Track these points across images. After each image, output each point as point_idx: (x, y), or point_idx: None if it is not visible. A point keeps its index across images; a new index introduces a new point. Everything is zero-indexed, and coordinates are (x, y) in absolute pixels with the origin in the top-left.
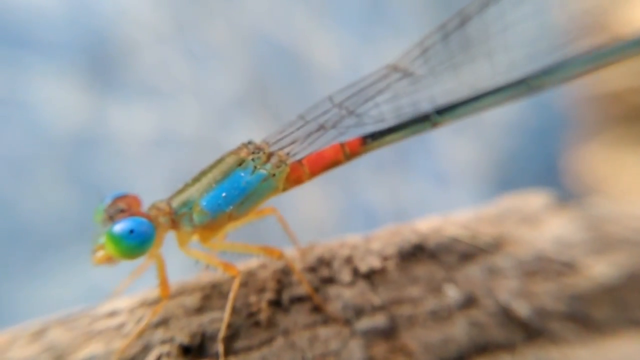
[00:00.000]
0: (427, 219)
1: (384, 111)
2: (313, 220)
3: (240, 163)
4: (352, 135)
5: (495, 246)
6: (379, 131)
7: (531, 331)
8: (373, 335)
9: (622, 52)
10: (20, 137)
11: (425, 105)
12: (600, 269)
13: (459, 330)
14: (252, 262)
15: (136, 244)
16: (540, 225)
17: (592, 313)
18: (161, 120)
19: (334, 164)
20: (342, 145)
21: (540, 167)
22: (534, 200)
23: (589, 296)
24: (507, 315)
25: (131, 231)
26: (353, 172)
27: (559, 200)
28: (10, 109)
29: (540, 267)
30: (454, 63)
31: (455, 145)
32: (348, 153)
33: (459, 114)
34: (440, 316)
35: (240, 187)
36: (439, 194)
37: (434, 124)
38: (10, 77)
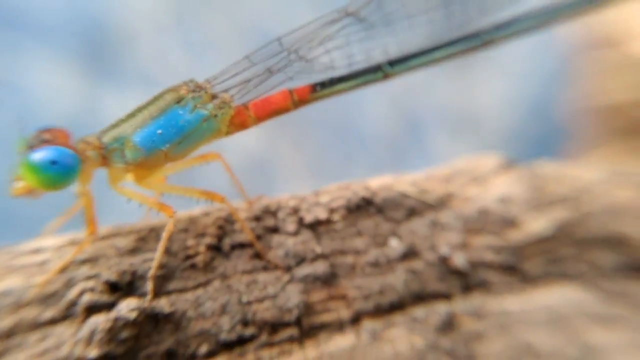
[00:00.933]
0: (379, 177)
1: (335, 58)
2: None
3: (179, 100)
4: (302, 82)
5: (442, 203)
6: (329, 79)
7: (468, 281)
8: (312, 282)
9: (573, 8)
10: (12, 121)
11: (378, 55)
12: (538, 225)
13: (397, 280)
14: (195, 210)
15: (57, 174)
16: (488, 184)
17: (526, 265)
18: None
19: (281, 110)
20: (290, 91)
21: None
22: (486, 161)
23: (524, 250)
24: (445, 266)
25: (52, 161)
26: (347, 172)
27: (508, 161)
28: (3, 92)
29: (482, 222)
30: (408, 12)
31: (453, 150)
32: (296, 100)
33: (411, 65)
34: (380, 266)
35: (178, 125)
36: None
37: (386, 75)
38: (5, 60)
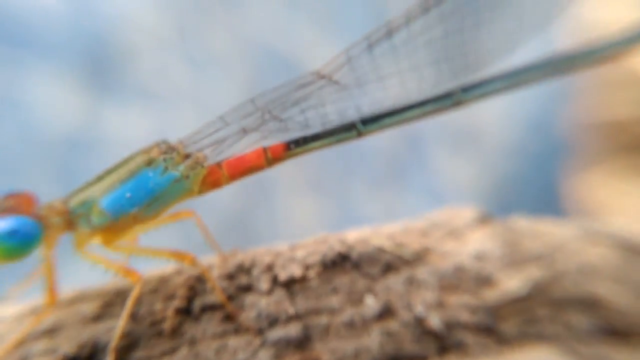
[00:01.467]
0: (358, 229)
1: (309, 117)
2: (305, 234)
3: (150, 162)
4: (276, 139)
5: (418, 258)
6: (303, 137)
7: (444, 343)
8: (285, 346)
9: (543, 71)
10: (13, 137)
11: (352, 114)
12: (513, 283)
13: (373, 342)
14: (168, 268)
15: (17, 245)
16: (464, 239)
17: (502, 326)
18: (157, 125)
19: (255, 168)
20: (265, 149)
21: (539, 191)
22: (462, 214)
23: (500, 309)
24: (421, 327)
25: (11, 231)
26: (347, 187)
27: (484, 215)
28: (4, 108)
29: (458, 280)
30: (381, 75)
31: (453, 165)
32: (270, 158)
33: (384, 124)
34: (356, 327)
35: (148, 188)
36: (435, 211)
37: (359, 134)
38: (6, 75)
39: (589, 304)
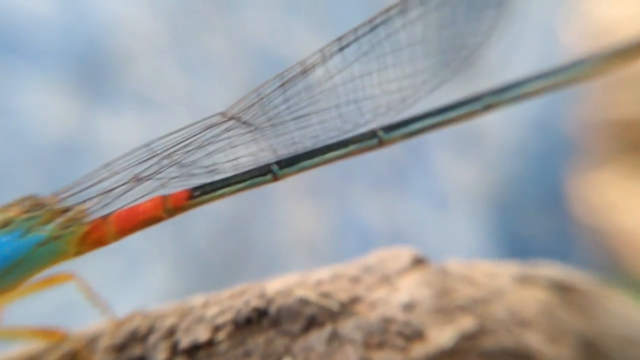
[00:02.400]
0: (284, 277)
1: (217, 161)
2: (304, 239)
3: (6, 224)
4: (179, 187)
5: (345, 309)
6: (210, 183)
7: None
8: None
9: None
10: (3, 143)
11: (267, 156)
12: (443, 336)
13: None
14: (41, 345)
15: None
16: (395, 285)
17: None
18: (152, 131)
19: (151, 220)
20: (164, 198)
21: (544, 191)
22: (398, 256)
23: None
24: None
25: None
26: (347, 189)
27: (419, 258)
28: None
29: (385, 334)
30: (298, 114)
31: (456, 166)
32: (170, 208)
33: (303, 166)
34: None
35: (2, 255)
36: (436, 215)
37: (276, 177)
38: None
39: (522, 357)
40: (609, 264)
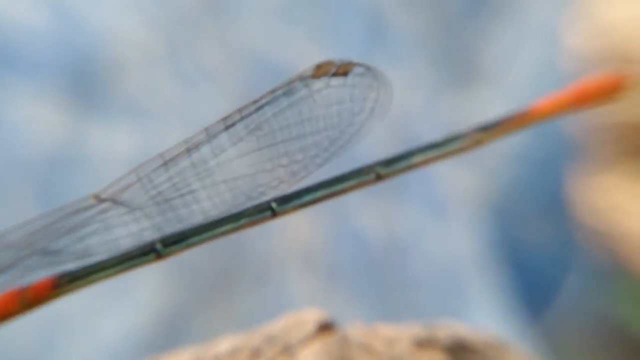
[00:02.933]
0: (177, 354)
1: (91, 245)
2: (299, 248)
3: None
4: (43, 274)
5: None
6: (83, 268)
7: None
8: None
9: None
10: None
11: (150, 235)
12: None
13: None
14: None
15: None
16: (296, 357)
17: None
18: (145, 142)
19: (2, 317)
20: (22, 290)
21: (546, 197)
22: (305, 321)
23: None
24: None
25: None
26: (343, 198)
27: (325, 322)
28: None
29: None
30: (184, 192)
31: (454, 171)
32: (30, 300)
33: (191, 242)
34: None
35: None
36: (435, 222)
37: (159, 256)
38: None
39: None
40: (614, 268)
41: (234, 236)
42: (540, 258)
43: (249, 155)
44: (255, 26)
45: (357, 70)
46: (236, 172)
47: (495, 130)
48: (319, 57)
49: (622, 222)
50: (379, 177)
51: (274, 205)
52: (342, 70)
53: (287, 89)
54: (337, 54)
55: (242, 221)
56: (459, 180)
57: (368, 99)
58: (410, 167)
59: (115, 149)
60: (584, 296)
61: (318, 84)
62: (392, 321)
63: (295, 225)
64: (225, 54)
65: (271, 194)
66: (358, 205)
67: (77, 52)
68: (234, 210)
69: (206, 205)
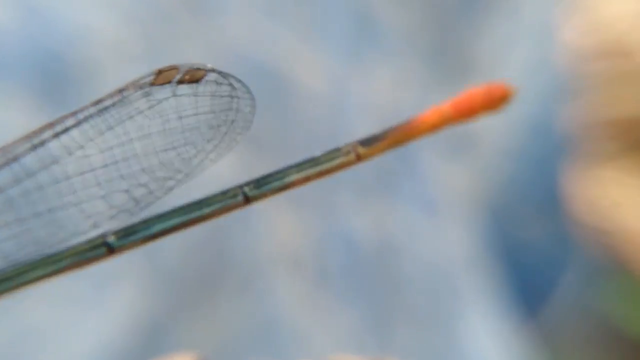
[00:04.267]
0: None
1: None
2: (287, 251)
3: None
4: None
5: None
6: None
7: None
8: None
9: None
10: None
11: None
12: None
13: None
14: None
15: None
16: None
17: None
18: None
19: None
20: None
21: (542, 194)
22: None
23: None
24: None
25: None
26: (332, 198)
27: None
28: None
29: None
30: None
31: (447, 170)
32: None
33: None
34: None
35: None
36: (427, 222)
37: None
38: None
39: None
40: (611, 265)
41: (216, 240)
42: (536, 256)
43: (74, 180)
44: (238, 23)
45: (210, 76)
46: (55, 202)
47: (378, 145)
48: (306, 55)
49: (619, 218)
50: (248, 200)
51: (111, 239)
52: (190, 76)
53: (118, 98)
54: (324, 51)
55: (64, 263)
56: (452, 178)
57: (227, 110)
58: (285, 187)
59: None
60: (581, 294)
61: (162, 92)
62: (385, 324)
63: (282, 229)
64: (206, 52)
65: (107, 226)
66: (347, 205)
67: (46, 51)
68: (51, 250)
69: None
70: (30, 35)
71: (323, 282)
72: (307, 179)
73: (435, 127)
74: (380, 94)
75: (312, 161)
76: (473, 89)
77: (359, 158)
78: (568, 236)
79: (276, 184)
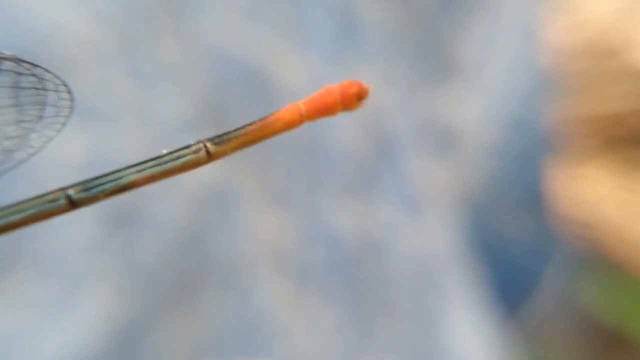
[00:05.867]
0: None
1: None
2: (269, 250)
3: None
4: None
5: None
6: None
7: None
8: None
9: None
10: None
11: None
12: None
13: None
14: None
15: None
16: None
17: None
18: (96, 144)
19: None
20: None
21: (524, 190)
22: None
23: None
24: None
25: None
26: (314, 195)
27: None
28: None
29: None
30: None
31: (429, 168)
32: None
33: None
34: None
35: None
36: (410, 219)
37: None
38: None
39: None
40: (594, 260)
41: (196, 238)
42: (518, 252)
43: None
44: (216, 23)
45: (6, 65)
46: None
47: (231, 143)
48: (287, 54)
49: (601, 213)
50: (74, 204)
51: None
52: None
53: None
54: (306, 51)
55: None
56: (434, 175)
57: (33, 103)
58: (121, 189)
59: (63, 151)
60: (564, 289)
61: None
62: (368, 321)
63: (264, 226)
64: (185, 52)
65: None
66: (330, 203)
67: (19, 51)
68: None
69: None
70: (1, 34)
71: (305, 280)
72: (150, 179)
73: (290, 124)
74: None
75: (155, 160)
76: (328, 87)
77: (210, 157)
78: (550, 232)
79: (109, 185)
